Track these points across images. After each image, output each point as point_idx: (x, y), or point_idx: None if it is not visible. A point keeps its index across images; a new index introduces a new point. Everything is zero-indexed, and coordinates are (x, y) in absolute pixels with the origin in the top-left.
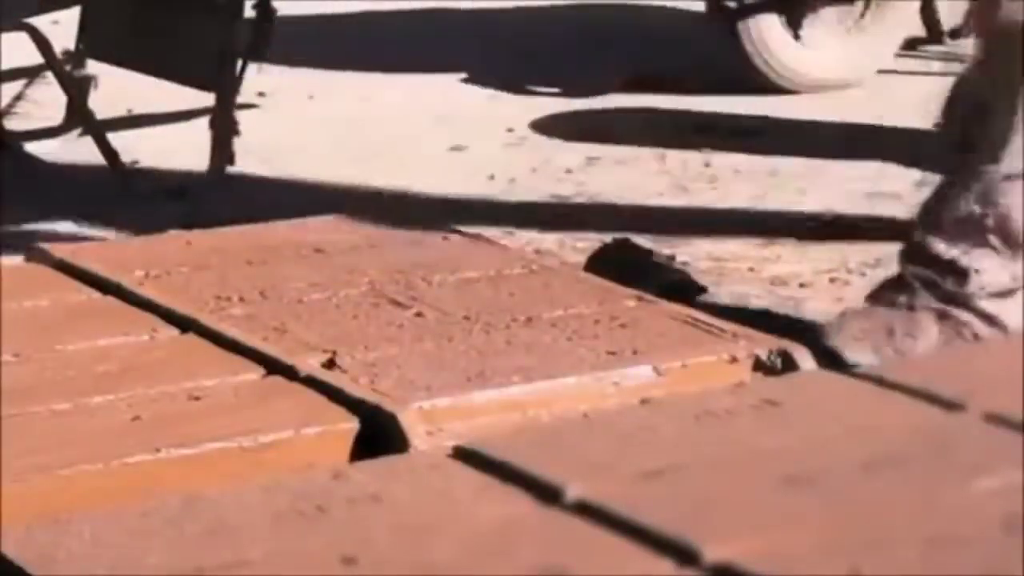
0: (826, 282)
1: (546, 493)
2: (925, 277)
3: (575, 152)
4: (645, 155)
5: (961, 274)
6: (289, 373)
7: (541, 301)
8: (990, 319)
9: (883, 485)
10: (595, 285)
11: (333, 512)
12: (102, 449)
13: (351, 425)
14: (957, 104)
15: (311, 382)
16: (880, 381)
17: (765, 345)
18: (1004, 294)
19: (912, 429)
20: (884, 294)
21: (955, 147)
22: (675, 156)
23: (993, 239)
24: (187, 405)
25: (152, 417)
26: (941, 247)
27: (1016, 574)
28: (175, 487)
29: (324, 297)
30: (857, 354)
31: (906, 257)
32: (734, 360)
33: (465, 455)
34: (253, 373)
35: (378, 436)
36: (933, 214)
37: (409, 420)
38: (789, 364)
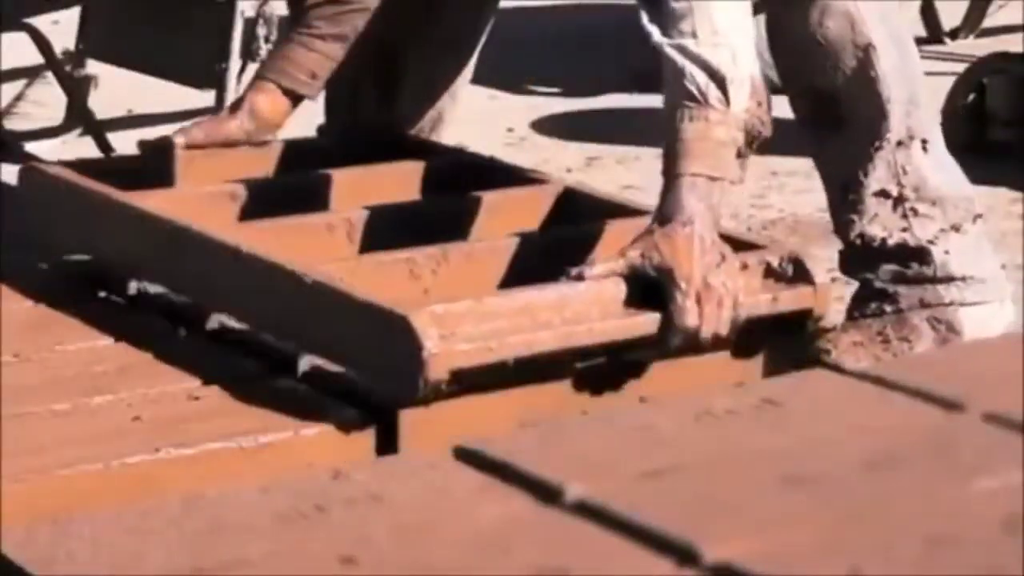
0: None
1: (546, 493)
2: (891, 274)
3: (575, 152)
4: (645, 155)
5: (921, 254)
6: (289, 372)
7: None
8: (970, 285)
9: (883, 485)
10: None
11: (332, 512)
12: (102, 449)
13: (351, 425)
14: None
15: (311, 381)
16: (880, 381)
17: (776, 253)
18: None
19: (912, 429)
20: (864, 307)
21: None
22: None
23: (921, 207)
24: (187, 405)
25: (152, 417)
26: (883, 234)
27: (1016, 574)
28: (175, 487)
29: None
30: (857, 367)
31: (856, 264)
32: (745, 267)
33: (465, 455)
34: (253, 373)
35: (380, 434)
36: (850, 203)
37: (422, 323)
38: (800, 271)
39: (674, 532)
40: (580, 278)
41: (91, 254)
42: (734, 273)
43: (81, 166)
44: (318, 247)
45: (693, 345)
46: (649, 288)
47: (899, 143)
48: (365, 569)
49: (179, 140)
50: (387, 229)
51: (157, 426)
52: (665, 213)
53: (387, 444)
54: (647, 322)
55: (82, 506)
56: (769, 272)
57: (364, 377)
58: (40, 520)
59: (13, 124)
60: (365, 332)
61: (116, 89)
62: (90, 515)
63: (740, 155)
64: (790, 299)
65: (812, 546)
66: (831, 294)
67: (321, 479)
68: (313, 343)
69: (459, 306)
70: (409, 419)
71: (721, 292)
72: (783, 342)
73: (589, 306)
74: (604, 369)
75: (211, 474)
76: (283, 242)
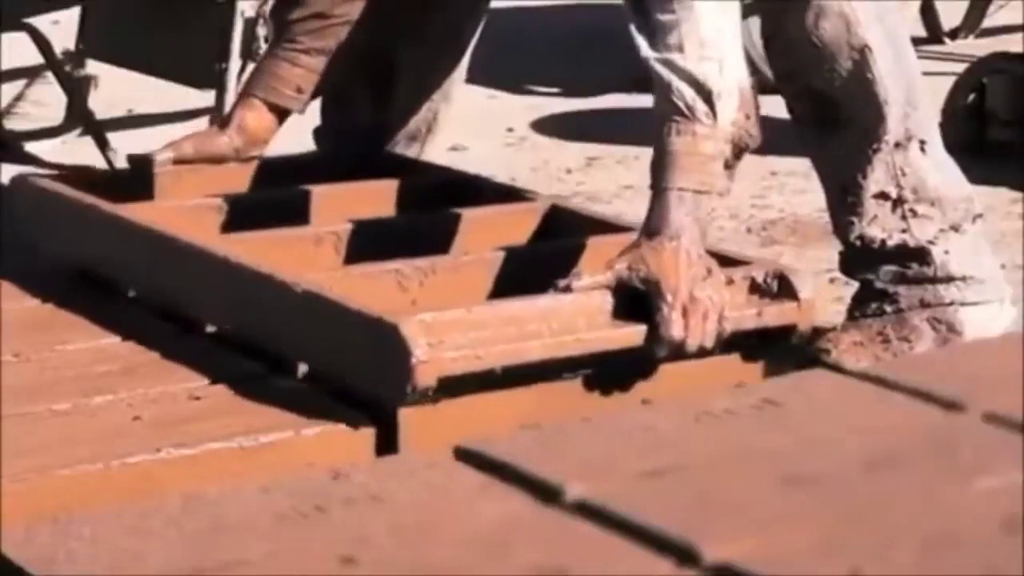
0: (826, 282)
1: (546, 493)
2: (892, 274)
3: (575, 152)
4: (645, 155)
5: (920, 254)
6: (290, 372)
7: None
8: (970, 286)
9: (883, 485)
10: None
11: (332, 512)
12: (102, 449)
13: (351, 425)
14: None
15: (311, 381)
16: (880, 381)
17: (762, 269)
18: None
19: (912, 429)
20: (864, 307)
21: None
22: None
23: (920, 208)
24: (187, 405)
25: (152, 417)
26: (882, 236)
27: (1016, 574)
28: (175, 487)
29: None
30: (857, 367)
31: (856, 265)
32: (731, 282)
33: (465, 455)
34: (253, 373)
35: (380, 434)
36: (849, 205)
37: (411, 331)
38: (786, 287)
39: (674, 532)
40: (568, 290)
41: (81, 266)
42: (720, 287)
43: (71, 178)
44: (305, 259)
45: (678, 357)
46: (636, 300)
47: (897, 144)
48: (365, 569)
49: (168, 155)
50: (374, 243)
51: (157, 426)
52: (652, 227)
53: (387, 444)
54: (633, 333)
55: (82, 506)
56: (754, 287)
57: (354, 382)
58: (40, 520)
59: (13, 124)
60: (355, 340)
61: (116, 89)
62: (90, 515)
63: (727, 166)
64: (775, 314)
65: (812, 546)
66: (816, 309)
67: (321, 479)
68: (303, 351)
69: (448, 315)
70: (409, 421)
71: (707, 305)
72: (782, 346)
73: (576, 317)
74: (606, 373)
75: (211, 474)
76: (271, 254)
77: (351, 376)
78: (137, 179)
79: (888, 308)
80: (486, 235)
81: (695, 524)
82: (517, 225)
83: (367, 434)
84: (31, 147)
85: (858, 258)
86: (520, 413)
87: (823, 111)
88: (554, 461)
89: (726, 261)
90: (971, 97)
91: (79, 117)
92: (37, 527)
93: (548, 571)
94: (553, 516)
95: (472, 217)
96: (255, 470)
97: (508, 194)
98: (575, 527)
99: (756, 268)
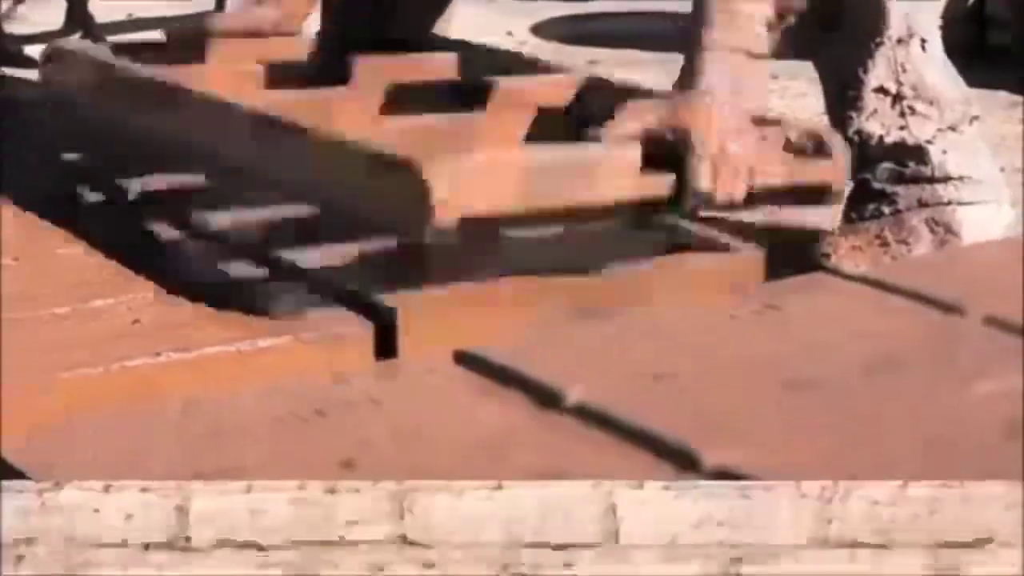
0: None
1: (546, 397)
2: (889, 173)
3: (576, 56)
4: (646, 60)
5: (918, 152)
6: (291, 277)
7: None
8: (966, 186)
9: (883, 389)
10: None
11: (332, 416)
12: (102, 352)
13: (351, 330)
14: None
15: (313, 280)
16: (880, 285)
17: (796, 128)
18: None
19: (912, 333)
20: (862, 208)
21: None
22: None
23: (918, 106)
24: (187, 309)
25: (152, 321)
26: (880, 131)
27: (1015, 477)
28: (175, 391)
29: None
30: (857, 271)
31: (853, 163)
32: (764, 139)
33: (465, 359)
34: (254, 277)
35: (379, 339)
36: (849, 100)
37: (433, 171)
38: (819, 147)
39: (674, 437)
40: (597, 139)
41: (111, 123)
42: (752, 143)
43: (104, 48)
44: (338, 117)
45: (708, 210)
46: (668, 160)
47: (899, 40)
48: (364, 473)
49: (207, 27)
50: (413, 106)
51: (157, 330)
52: (685, 82)
53: (386, 349)
54: (662, 183)
55: (82, 409)
56: (788, 146)
57: (375, 222)
58: (40, 424)
59: (13, 28)
60: (376, 180)
61: None
62: (90, 419)
63: (770, 28)
64: (808, 172)
65: (812, 450)
66: (847, 168)
67: (321, 384)
68: (325, 193)
69: (471, 158)
70: (408, 324)
71: (738, 159)
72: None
73: (603, 165)
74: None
75: (211, 378)
76: (303, 110)
77: (372, 216)
78: (175, 51)
79: (886, 209)
80: (526, 99)
81: (695, 428)
82: (556, 93)
83: (367, 339)
84: (31, 50)
85: (856, 156)
86: (520, 323)
87: (827, 6)
88: (555, 365)
89: (759, 121)
90: (971, 1)
91: (79, 21)
92: (37, 431)
93: (547, 473)
94: (553, 420)
95: (512, 84)
96: (254, 375)
97: (552, 68)
98: (575, 430)
99: (791, 128)
